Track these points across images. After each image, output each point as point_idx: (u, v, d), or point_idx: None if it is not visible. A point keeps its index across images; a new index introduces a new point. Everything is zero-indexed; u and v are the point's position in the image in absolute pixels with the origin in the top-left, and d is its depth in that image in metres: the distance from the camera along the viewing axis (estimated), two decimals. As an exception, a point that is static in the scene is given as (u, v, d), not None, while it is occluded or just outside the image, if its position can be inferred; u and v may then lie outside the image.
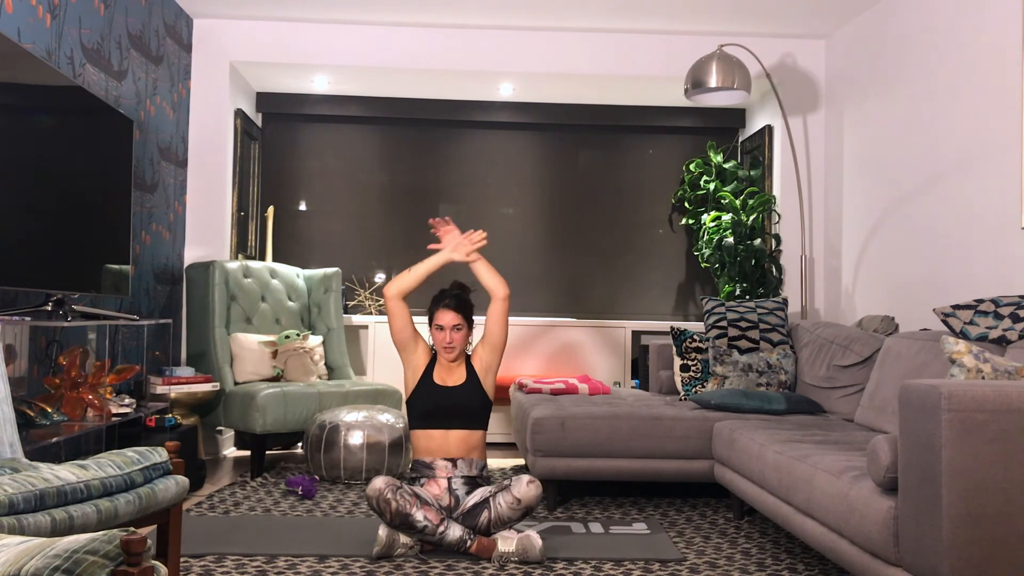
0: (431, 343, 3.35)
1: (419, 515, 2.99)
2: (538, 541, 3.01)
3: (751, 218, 5.43)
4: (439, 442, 3.22)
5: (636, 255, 6.20)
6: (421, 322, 3.51)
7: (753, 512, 3.81)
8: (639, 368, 5.79)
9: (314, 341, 5.09)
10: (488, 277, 3.31)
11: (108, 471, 2.16)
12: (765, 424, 3.56)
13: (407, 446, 4.43)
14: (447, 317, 3.26)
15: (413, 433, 3.27)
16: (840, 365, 4.05)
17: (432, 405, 3.23)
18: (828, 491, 2.56)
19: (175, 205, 5.06)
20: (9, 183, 2.98)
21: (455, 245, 3.31)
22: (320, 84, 5.77)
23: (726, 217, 5.51)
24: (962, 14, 3.98)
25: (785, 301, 4.61)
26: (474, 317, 3.38)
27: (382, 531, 3.04)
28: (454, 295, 3.31)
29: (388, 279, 6.08)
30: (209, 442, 5.10)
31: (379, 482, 3.01)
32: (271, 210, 5.83)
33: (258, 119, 6.03)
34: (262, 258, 5.87)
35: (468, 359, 3.34)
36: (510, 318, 5.59)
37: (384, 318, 5.63)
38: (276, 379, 4.88)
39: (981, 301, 3.21)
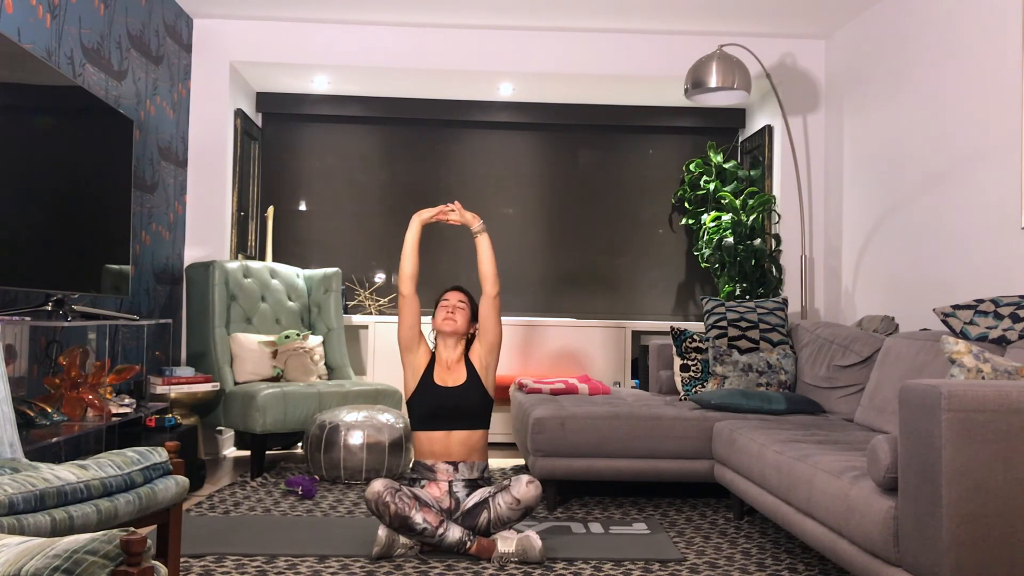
0: (432, 346, 3.37)
1: (418, 517, 2.99)
2: (538, 542, 3.01)
3: (751, 218, 5.43)
4: (441, 443, 3.22)
5: (636, 255, 6.20)
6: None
7: (753, 512, 3.81)
8: (639, 368, 5.79)
9: (314, 341, 5.09)
10: (487, 261, 3.33)
11: (108, 471, 2.16)
12: (765, 424, 3.56)
13: (407, 446, 4.43)
14: (453, 294, 3.37)
15: (415, 435, 3.27)
16: (840, 365, 4.05)
17: (433, 406, 3.23)
18: (828, 491, 2.56)
19: (175, 205, 5.06)
20: (9, 183, 2.98)
21: (420, 212, 3.39)
22: (320, 84, 5.77)
23: (726, 217, 5.51)
24: (962, 14, 3.98)
25: (785, 301, 4.61)
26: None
27: (382, 531, 3.04)
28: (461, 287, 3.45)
29: (388, 279, 6.09)
30: (209, 442, 5.10)
31: (378, 485, 3.01)
32: (271, 210, 5.82)
33: (258, 119, 6.03)
34: (262, 258, 5.87)
35: (467, 358, 3.34)
36: (509, 317, 5.64)
37: (384, 318, 5.64)
38: (276, 379, 4.88)
39: (981, 301, 3.21)
